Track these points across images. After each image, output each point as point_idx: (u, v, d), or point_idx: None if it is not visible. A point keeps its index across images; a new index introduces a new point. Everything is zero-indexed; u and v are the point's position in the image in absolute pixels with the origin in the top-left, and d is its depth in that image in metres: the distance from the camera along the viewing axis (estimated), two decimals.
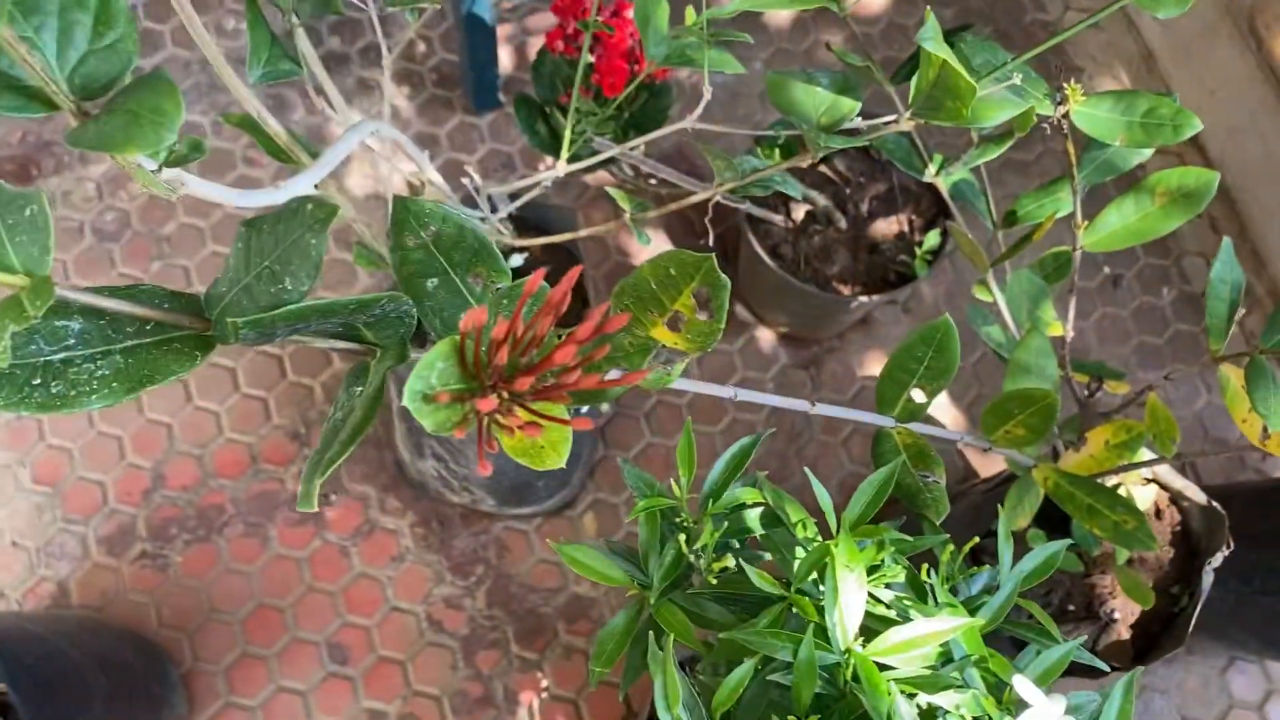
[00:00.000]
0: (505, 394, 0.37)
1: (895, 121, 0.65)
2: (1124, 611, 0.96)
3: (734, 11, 0.70)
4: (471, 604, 1.19)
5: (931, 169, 0.93)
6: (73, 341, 0.36)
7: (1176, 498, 0.98)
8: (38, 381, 0.34)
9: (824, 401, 1.31)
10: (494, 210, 0.89)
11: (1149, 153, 0.74)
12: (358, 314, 0.41)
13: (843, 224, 1.15)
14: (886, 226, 1.17)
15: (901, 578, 0.56)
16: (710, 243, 1.32)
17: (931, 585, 0.55)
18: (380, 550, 1.21)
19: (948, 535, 0.58)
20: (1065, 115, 0.70)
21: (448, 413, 0.37)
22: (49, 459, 1.21)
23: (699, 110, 0.68)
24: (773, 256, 1.14)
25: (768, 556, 0.59)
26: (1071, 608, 0.96)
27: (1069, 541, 0.61)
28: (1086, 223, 0.77)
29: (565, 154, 0.77)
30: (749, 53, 1.43)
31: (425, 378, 0.36)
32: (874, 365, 1.32)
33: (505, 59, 1.40)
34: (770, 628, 0.53)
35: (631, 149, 0.82)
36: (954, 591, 0.58)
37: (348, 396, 0.43)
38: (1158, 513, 0.99)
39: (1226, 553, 0.92)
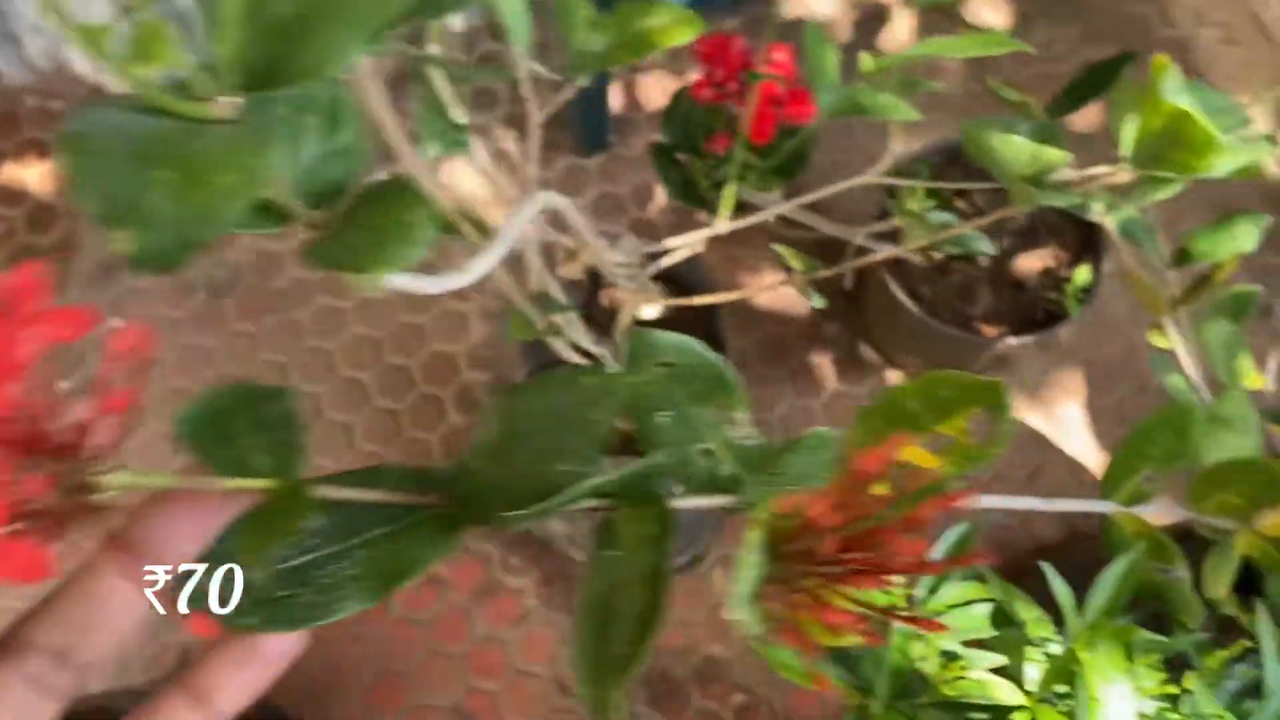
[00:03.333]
0: (815, 582, 0.32)
1: (1112, 173, 0.59)
2: None
3: (916, 56, 0.65)
4: None
5: (1098, 206, 0.87)
6: (316, 541, 0.31)
7: None
8: (286, 593, 0.30)
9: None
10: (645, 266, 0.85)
11: None
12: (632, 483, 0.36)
13: (984, 261, 1.09)
14: (1030, 262, 1.11)
15: (1156, 686, 0.50)
16: (849, 286, 1.27)
17: (1191, 693, 0.50)
18: (504, 611, 1.17)
19: (1207, 636, 0.52)
20: None
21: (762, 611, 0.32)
22: None
23: (885, 162, 0.63)
24: (911, 298, 1.09)
25: (995, 658, 0.54)
26: None
27: None
28: None
29: (727, 211, 0.72)
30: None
31: (749, 579, 0.31)
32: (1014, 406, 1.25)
33: (613, 98, 1.37)
34: None
35: (793, 202, 0.78)
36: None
37: (602, 564, 0.37)
38: None
39: None
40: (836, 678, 0.53)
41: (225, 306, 1.28)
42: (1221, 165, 0.56)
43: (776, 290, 1.29)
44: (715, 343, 0.98)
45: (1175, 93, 0.50)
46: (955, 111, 1.34)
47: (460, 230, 0.64)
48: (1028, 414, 1.25)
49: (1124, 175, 0.59)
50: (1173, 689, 0.49)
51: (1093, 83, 0.91)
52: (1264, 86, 1.37)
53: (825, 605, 0.29)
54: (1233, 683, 0.54)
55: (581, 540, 1.10)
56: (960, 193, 1.14)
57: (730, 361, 1.07)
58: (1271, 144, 0.64)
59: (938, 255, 1.09)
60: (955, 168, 1.14)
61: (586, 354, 0.92)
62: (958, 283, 1.10)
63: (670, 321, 1.01)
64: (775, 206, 0.72)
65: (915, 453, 0.43)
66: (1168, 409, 0.57)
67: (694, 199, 0.94)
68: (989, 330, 1.09)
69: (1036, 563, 1.20)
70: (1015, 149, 0.61)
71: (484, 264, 0.47)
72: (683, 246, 0.77)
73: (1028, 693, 0.50)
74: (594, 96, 1.25)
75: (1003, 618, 0.54)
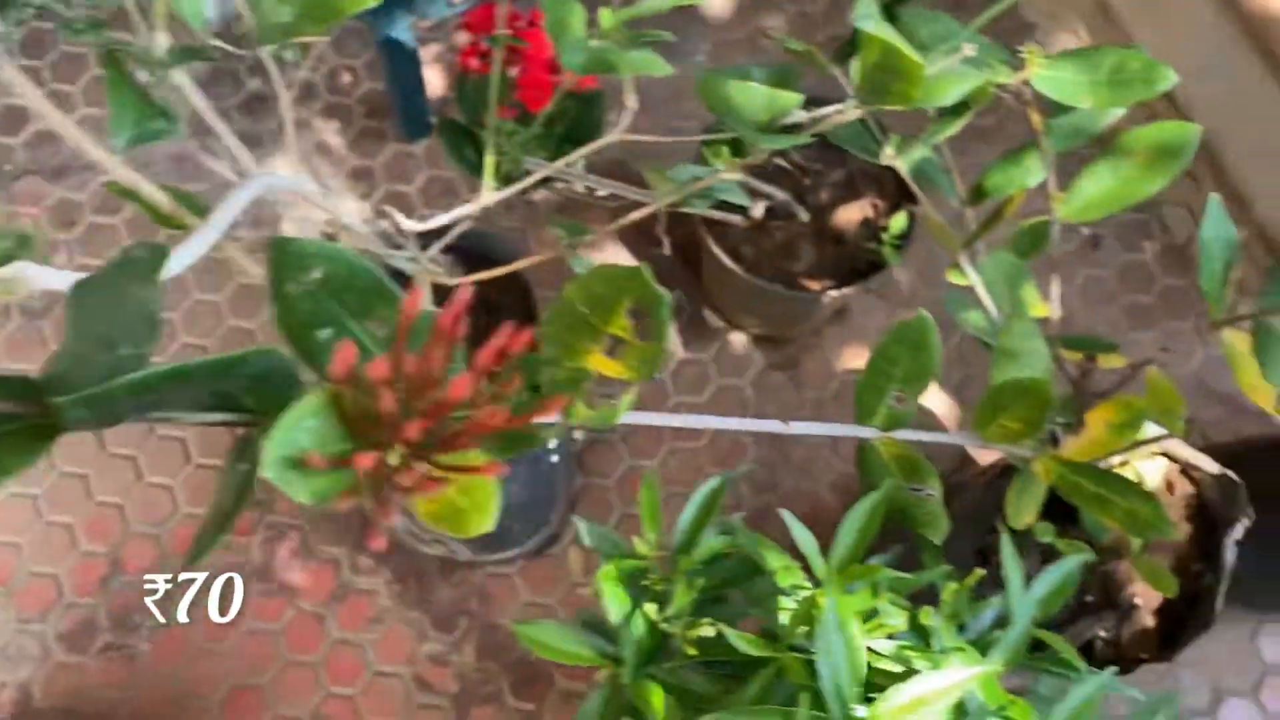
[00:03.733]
0: (403, 448, 0.31)
1: (841, 111, 0.59)
2: (1145, 597, 0.90)
3: (656, 10, 0.63)
4: (459, 659, 1.13)
5: (889, 150, 0.87)
6: None
7: (1187, 469, 0.92)
8: None
9: (809, 402, 1.25)
10: (426, 246, 0.83)
11: (1121, 111, 0.68)
12: (223, 378, 0.35)
13: (804, 216, 1.09)
14: (850, 214, 1.11)
15: (903, 623, 0.50)
16: (667, 251, 1.26)
17: (934, 627, 0.49)
18: (357, 613, 1.14)
19: (949, 568, 0.52)
20: (1026, 82, 0.64)
21: (328, 480, 0.31)
22: None
23: (624, 121, 0.62)
24: (734, 258, 1.08)
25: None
26: (1089, 599, 0.90)
27: (1083, 557, 0.55)
28: (1062, 193, 0.71)
29: (489, 181, 0.70)
30: (690, 46, 1.37)
31: (290, 440, 0.30)
32: (854, 358, 1.26)
33: (435, 81, 1.34)
34: (759, 698, 0.47)
35: (567, 166, 0.76)
36: (961, 628, 0.52)
37: (232, 475, 0.36)
38: (1169, 487, 0.93)
39: (1247, 524, 0.86)
40: (588, 649, 0.52)
41: (44, 328, 1.23)
42: (942, 93, 0.56)
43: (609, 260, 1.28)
44: (530, 317, 0.97)
45: (867, 20, 0.49)
46: None
47: (184, 224, 0.61)
48: None
49: (853, 111, 0.58)
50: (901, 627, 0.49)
51: None
52: (1079, 18, 1.40)
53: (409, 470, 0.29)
54: (990, 612, 0.54)
55: (424, 535, 1.08)
56: (782, 152, 1.13)
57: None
58: (1010, 67, 0.64)
59: (756, 215, 1.09)
60: None
61: None
62: (780, 240, 1.10)
63: (484, 300, 0.99)
64: (544, 169, 0.70)
65: (599, 361, 0.42)
66: (902, 325, 0.57)
67: (494, 176, 0.92)
68: (813, 285, 1.08)
69: None
70: (752, 96, 0.60)
71: (187, 255, 0.45)
72: (457, 221, 0.75)
73: (777, 643, 0.49)
74: (410, 81, 1.22)
75: (754, 568, 0.53)
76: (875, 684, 0.46)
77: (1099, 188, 0.69)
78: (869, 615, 0.50)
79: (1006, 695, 0.47)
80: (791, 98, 0.60)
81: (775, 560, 0.52)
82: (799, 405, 1.24)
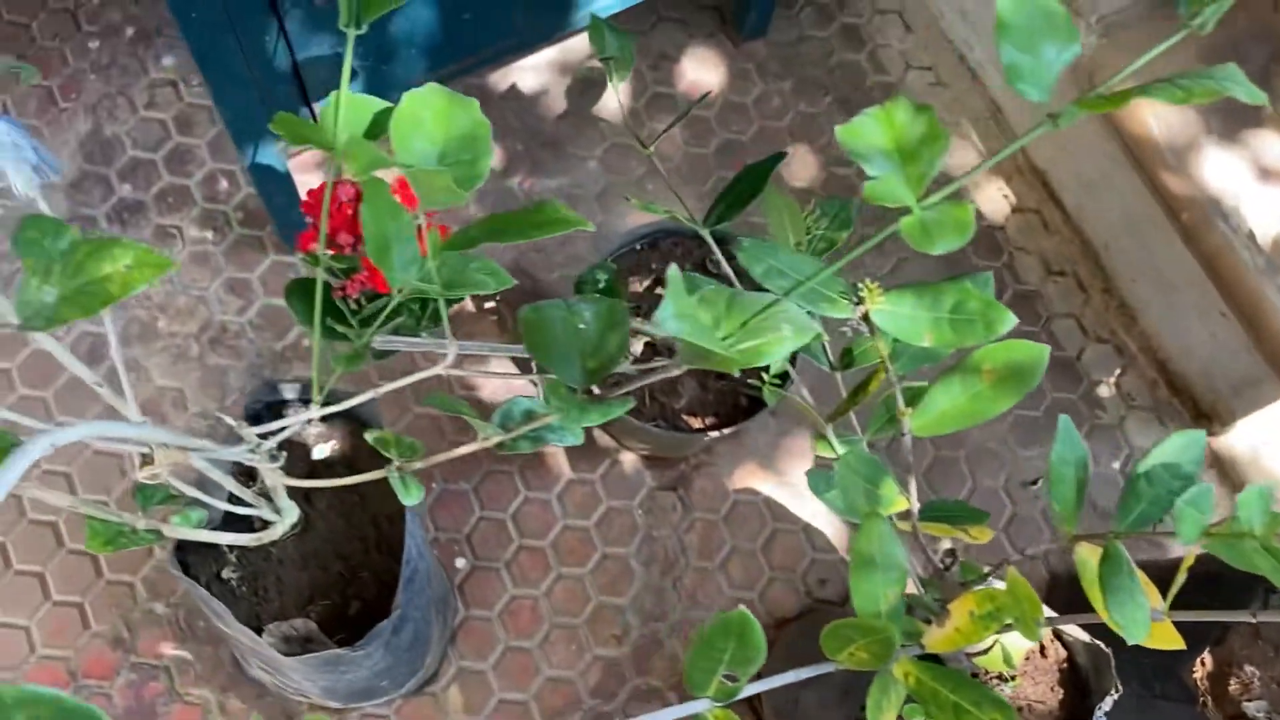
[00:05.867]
0: None
1: (667, 367, 0.56)
2: None
3: (480, 238, 0.61)
4: None
5: None
6: None
7: (1059, 633, 0.92)
8: None
9: (699, 524, 1.22)
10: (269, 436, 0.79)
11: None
12: None
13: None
14: None
15: None
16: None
17: None
18: None
19: None
20: (865, 316, 0.62)
21: None
22: None
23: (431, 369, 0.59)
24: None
25: None
26: None
27: None
28: (910, 409, 0.69)
29: (317, 397, 0.67)
30: (570, 166, 1.34)
31: None
32: (745, 477, 1.24)
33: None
34: None
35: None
36: None
37: None
38: (1041, 650, 0.92)
39: (1116, 696, 0.85)
40: None
41: None
42: (764, 357, 0.54)
43: (504, 381, 1.25)
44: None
45: (669, 322, 0.46)
46: (677, 181, 1.32)
47: None
48: (759, 483, 1.24)
49: (675, 369, 0.56)
50: None
51: (747, 188, 0.89)
52: (972, 123, 1.39)
53: None
54: None
55: (288, 690, 1.04)
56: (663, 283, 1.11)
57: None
58: (846, 300, 0.62)
59: (635, 353, 1.06)
60: (654, 252, 1.11)
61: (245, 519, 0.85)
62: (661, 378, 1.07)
63: (347, 458, 0.95)
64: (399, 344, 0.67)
65: None
66: (724, 618, 0.55)
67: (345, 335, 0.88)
68: (694, 422, 1.06)
69: (774, 638, 1.18)
70: (581, 340, 0.57)
71: None
72: (290, 425, 0.71)
73: None
74: (283, 198, 1.17)
75: None
76: None
77: (951, 403, 0.68)
78: None
79: None
80: (618, 341, 0.57)
81: None
82: (689, 528, 1.22)
